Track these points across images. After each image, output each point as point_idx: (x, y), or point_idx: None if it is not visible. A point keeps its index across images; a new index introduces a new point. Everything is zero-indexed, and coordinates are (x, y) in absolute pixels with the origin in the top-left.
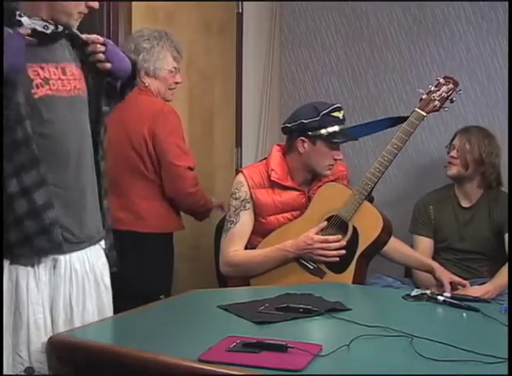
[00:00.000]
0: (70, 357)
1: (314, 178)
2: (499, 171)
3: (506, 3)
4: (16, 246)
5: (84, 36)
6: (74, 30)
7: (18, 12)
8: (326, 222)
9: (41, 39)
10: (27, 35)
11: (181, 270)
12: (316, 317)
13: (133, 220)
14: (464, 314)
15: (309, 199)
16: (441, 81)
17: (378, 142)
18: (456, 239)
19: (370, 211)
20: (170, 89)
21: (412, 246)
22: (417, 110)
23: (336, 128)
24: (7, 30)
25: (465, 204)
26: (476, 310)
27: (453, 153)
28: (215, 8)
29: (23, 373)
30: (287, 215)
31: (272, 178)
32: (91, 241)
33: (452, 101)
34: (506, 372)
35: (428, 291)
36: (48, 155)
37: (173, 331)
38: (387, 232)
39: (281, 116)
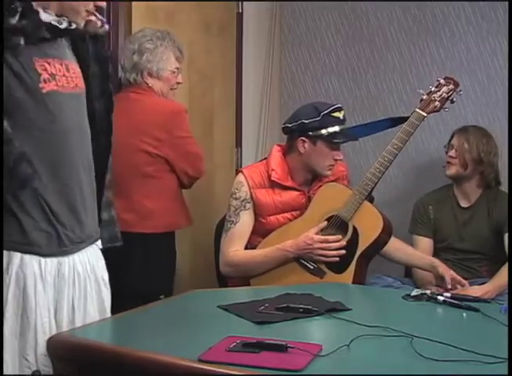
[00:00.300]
0: (71, 357)
1: (314, 178)
2: (498, 171)
3: (506, 3)
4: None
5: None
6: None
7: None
8: (326, 222)
9: (52, 33)
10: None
11: (181, 270)
12: (316, 317)
13: (140, 221)
14: (464, 314)
15: (309, 199)
16: (442, 81)
17: (378, 143)
18: (455, 239)
19: (370, 212)
20: (171, 89)
21: (411, 246)
22: (418, 110)
23: (336, 128)
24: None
25: (464, 203)
26: (476, 310)
27: (452, 152)
28: (215, 8)
29: None
30: (287, 215)
31: (273, 179)
32: (90, 240)
33: (452, 102)
34: (506, 372)
35: (428, 291)
36: (53, 152)
37: (173, 331)
38: (387, 232)
39: (281, 116)
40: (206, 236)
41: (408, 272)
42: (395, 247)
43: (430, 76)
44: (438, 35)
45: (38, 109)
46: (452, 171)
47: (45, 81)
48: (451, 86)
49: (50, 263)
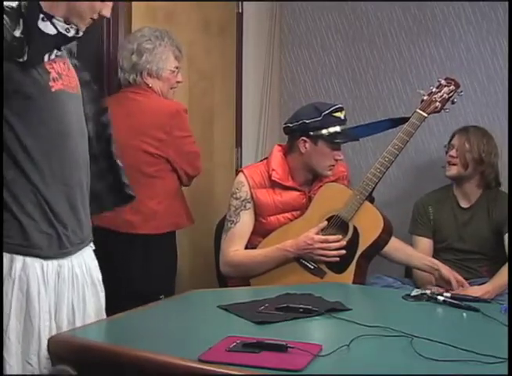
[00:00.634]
0: (71, 357)
1: (315, 178)
2: (498, 171)
3: (506, 3)
4: None
5: None
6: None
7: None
8: (326, 222)
9: (59, 41)
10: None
11: (181, 270)
12: (316, 317)
13: (144, 222)
14: (464, 314)
15: (310, 199)
16: (443, 82)
17: (378, 143)
18: (455, 239)
19: (371, 212)
20: (171, 89)
21: (411, 246)
22: (418, 110)
23: (337, 128)
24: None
25: (464, 204)
26: (476, 310)
27: (452, 152)
28: (215, 8)
29: None
30: (288, 215)
31: (273, 178)
32: (87, 241)
33: (453, 102)
34: (506, 372)
35: (428, 291)
36: (57, 151)
37: (173, 331)
38: (387, 232)
39: (281, 116)
40: (206, 236)
41: (408, 272)
42: (395, 247)
43: (430, 76)
44: (438, 35)
45: (47, 108)
46: (452, 171)
47: (53, 80)
48: (452, 87)
49: (51, 266)
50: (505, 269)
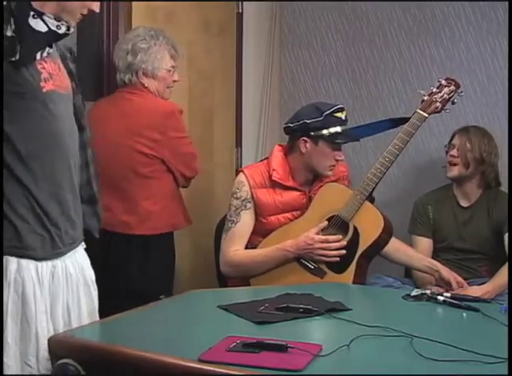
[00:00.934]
0: (70, 357)
1: (315, 178)
2: (498, 171)
3: (506, 3)
4: None
5: None
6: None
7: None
8: (326, 222)
9: (50, 38)
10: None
11: (181, 270)
12: (316, 317)
13: (140, 223)
14: (464, 314)
15: (310, 199)
16: (443, 82)
17: (378, 143)
18: (455, 238)
19: (371, 212)
20: (168, 88)
21: (411, 246)
22: (419, 111)
23: (338, 128)
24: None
25: (464, 203)
26: (476, 310)
27: (453, 152)
28: (215, 8)
29: None
30: (288, 215)
31: (274, 178)
32: (79, 241)
33: (453, 103)
34: (506, 372)
35: (428, 291)
36: (49, 152)
37: (173, 331)
38: (387, 232)
39: (281, 116)
40: (206, 236)
41: (408, 272)
42: (396, 247)
43: (430, 76)
44: (438, 35)
45: (38, 108)
46: (454, 172)
47: (44, 80)
48: (452, 87)
49: (45, 267)
50: (505, 269)
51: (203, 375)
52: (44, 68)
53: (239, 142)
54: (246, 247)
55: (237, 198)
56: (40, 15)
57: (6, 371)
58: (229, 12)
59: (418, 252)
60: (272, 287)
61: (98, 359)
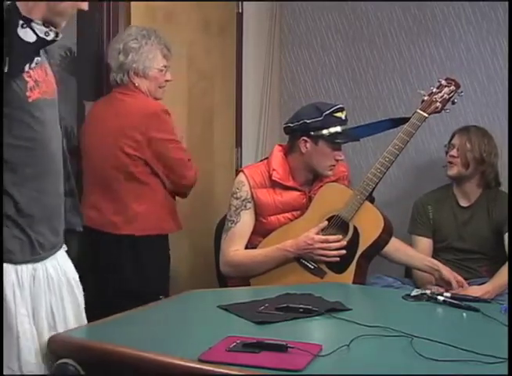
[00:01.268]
0: (70, 357)
1: (315, 178)
2: (497, 171)
3: (506, 3)
4: None
5: None
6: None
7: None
8: (326, 222)
9: (39, 45)
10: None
11: (181, 270)
12: (316, 317)
13: (128, 223)
14: (464, 314)
15: (310, 199)
16: (443, 82)
17: (378, 143)
18: (455, 238)
19: (371, 212)
20: (160, 88)
21: (411, 246)
22: (419, 111)
23: (338, 128)
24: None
25: (464, 203)
26: (476, 310)
27: (453, 152)
28: (215, 8)
29: None
30: (288, 215)
31: (274, 178)
32: (59, 245)
33: (453, 103)
34: (506, 372)
35: (428, 291)
36: (33, 160)
37: (173, 331)
38: (387, 232)
39: (281, 116)
40: (206, 236)
41: (408, 272)
42: (396, 247)
43: (430, 76)
44: (438, 35)
45: (23, 118)
46: (453, 171)
47: (31, 90)
48: (452, 87)
49: (26, 270)
50: (505, 269)
51: (203, 375)
52: (30, 76)
53: (239, 142)
54: (246, 247)
55: (237, 198)
56: (28, 23)
57: None
58: (229, 12)
59: (418, 252)
60: (272, 287)
61: (97, 359)
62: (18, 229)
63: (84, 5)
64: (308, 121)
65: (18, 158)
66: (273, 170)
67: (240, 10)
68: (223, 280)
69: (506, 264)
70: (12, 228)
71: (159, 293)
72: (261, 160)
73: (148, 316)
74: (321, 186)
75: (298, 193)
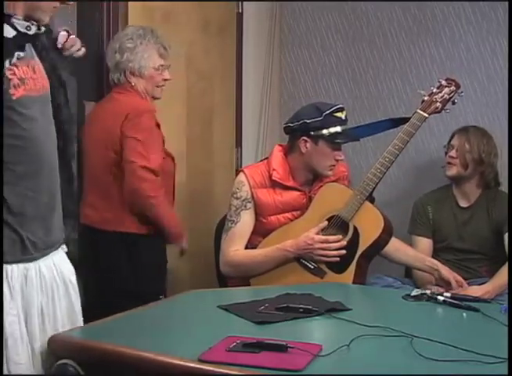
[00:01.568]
0: (71, 357)
1: (315, 178)
2: (497, 171)
3: (506, 3)
4: None
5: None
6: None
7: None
8: (326, 222)
9: (21, 40)
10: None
11: (181, 270)
12: (316, 317)
13: (120, 220)
14: (464, 314)
15: (310, 199)
16: (443, 82)
17: (379, 143)
18: (455, 238)
19: (371, 212)
20: (158, 87)
21: (411, 246)
22: (419, 111)
23: (338, 128)
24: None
25: (463, 203)
26: (476, 310)
27: (452, 152)
28: (214, 8)
29: None
30: (288, 215)
31: (274, 178)
32: (56, 246)
33: (453, 103)
34: (506, 372)
35: (428, 291)
36: (22, 157)
37: (173, 331)
38: (387, 232)
39: (281, 116)
40: (206, 236)
41: (408, 272)
42: (396, 247)
43: (431, 76)
44: (438, 35)
45: (8, 116)
46: (452, 171)
47: (14, 87)
48: (452, 87)
49: (17, 270)
50: (505, 269)
51: (203, 375)
52: (14, 74)
53: (239, 142)
54: (247, 247)
55: (237, 198)
56: (8, 18)
57: None
58: (229, 12)
59: (418, 252)
60: (272, 287)
61: (97, 359)
62: (8, 228)
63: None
64: (308, 121)
65: (7, 156)
66: (273, 170)
67: (240, 10)
68: (223, 280)
69: (506, 264)
70: (3, 227)
71: (156, 292)
72: (261, 160)
73: (148, 316)
74: (321, 186)
75: (298, 193)
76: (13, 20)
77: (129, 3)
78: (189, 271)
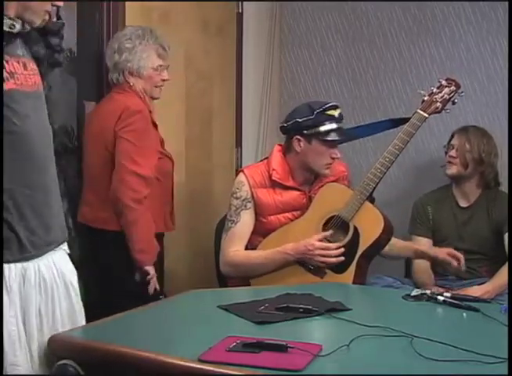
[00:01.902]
0: (71, 357)
1: (315, 178)
2: (497, 171)
3: (506, 3)
4: None
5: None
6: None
7: None
8: (331, 231)
9: (5, 38)
10: None
11: (181, 270)
12: (316, 317)
13: (113, 219)
14: (464, 314)
15: (310, 199)
16: (443, 82)
17: (379, 143)
18: (455, 238)
19: (371, 212)
20: (156, 87)
21: None
22: (419, 111)
23: (330, 126)
24: None
25: (463, 203)
26: (476, 310)
27: (452, 152)
28: (214, 7)
29: None
30: (288, 214)
31: (273, 178)
32: (56, 244)
33: (454, 103)
34: (506, 372)
35: (428, 291)
36: (14, 153)
37: (173, 331)
38: (388, 232)
39: (281, 116)
40: (206, 236)
41: (408, 272)
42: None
43: (431, 76)
44: (438, 35)
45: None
46: (452, 170)
47: (3, 80)
48: (452, 87)
49: (14, 269)
50: (505, 269)
51: (203, 375)
52: (3, 68)
53: (239, 142)
54: (247, 248)
55: (237, 198)
56: None
57: None
58: (229, 12)
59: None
60: (272, 287)
61: (97, 359)
62: (5, 227)
63: (59, 1)
64: (299, 120)
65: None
66: (273, 170)
67: (240, 10)
68: (223, 280)
69: (506, 264)
70: None
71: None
72: (261, 160)
73: (148, 316)
74: (321, 186)
75: (298, 192)
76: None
77: (127, 3)
78: (189, 271)
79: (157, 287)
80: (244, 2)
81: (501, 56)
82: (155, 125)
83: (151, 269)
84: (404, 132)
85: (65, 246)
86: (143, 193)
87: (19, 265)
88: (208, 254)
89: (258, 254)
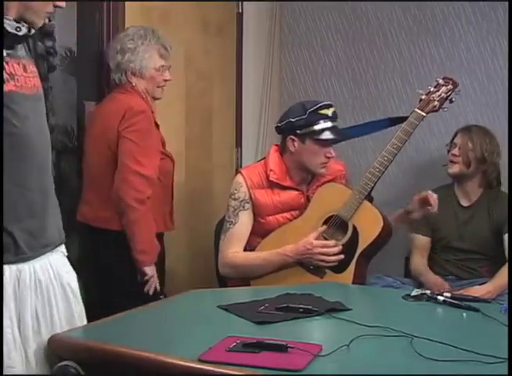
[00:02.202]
0: (71, 357)
1: (312, 177)
2: (499, 171)
3: (506, 3)
4: None
5: None
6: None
7: None
8: (325, 227)
9: (9, 41)
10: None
11: (180, 270)
12: (316, 317)
13: (114, 218)
14: (464, 314)
15: (308, 198)
16: (441, 81)
17: (377, 142)
18: (455, 237)
19: (370, 211)
20: (158, 87)
21: (411, 245)
22: (417, 110)
23: (323, 125)
24: None
25: (464, 203)
26: (476, 310)
27: (455, 151)
28: (214, 7)
29: None
30: (287, 215)
31: (271, 179)
32: (53, 246)
33: (451, 101)
34: (506, 372)
35: (428, 291)
36: (12, 154)
37: (173, 331)
38: (387, 231)
39: None
40: (205, 236)
41: (408, 272)
42: None
43: (431, 76)
44: (438, 35)
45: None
46: (455, 169)
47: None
48: (450, 86)
49: (9, 271)
50: (505, 269)
51: (203, 375)
52: (3, 69)
53: (239, 142)
54: (245, 249)
55: (235, 199)
56: None
57: None
58: (229, 12)
59: (417, 250)
60: (272, 287)
61: (97, 360)
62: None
63: (61, 2)
64: (292, 120)
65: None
66: (270, 170)
67: (240, 10)
68: (223, 280)
69: (507, 264)
70: None
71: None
72: (259, 161)
73: (148, 316)
74: (318, 185)
75: (296, 192)
76: (4, 21)
77: (127, 3)
78: (189, 271)
79: (158, 287)
80: (244, 2)
81: (501, 56)
82: (157, 125)
83: (152, 270)
84: (402, 131)
85: (63, 248)
86: (146, 194)
87: (13, 266)
88: (208, 254)
89: (257, 256)
